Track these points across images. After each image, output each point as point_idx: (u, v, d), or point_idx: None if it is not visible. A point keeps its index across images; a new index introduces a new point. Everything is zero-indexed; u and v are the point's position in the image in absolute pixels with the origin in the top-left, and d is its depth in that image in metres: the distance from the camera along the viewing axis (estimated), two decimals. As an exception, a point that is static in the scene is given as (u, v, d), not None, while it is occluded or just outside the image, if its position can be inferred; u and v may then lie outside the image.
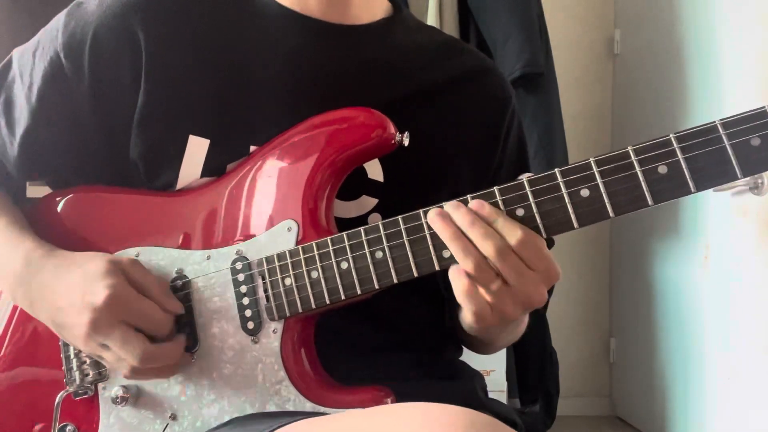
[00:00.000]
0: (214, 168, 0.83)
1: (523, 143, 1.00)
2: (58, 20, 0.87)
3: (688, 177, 0.62)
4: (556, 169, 0.67)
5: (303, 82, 0.85)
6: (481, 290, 0.69)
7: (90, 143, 0.86)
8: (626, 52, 3.00)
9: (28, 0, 2.04)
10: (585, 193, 0.66)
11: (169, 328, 0.76)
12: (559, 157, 2.38)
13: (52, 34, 0.86)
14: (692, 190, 0.62)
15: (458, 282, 0.70)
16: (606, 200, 0.65)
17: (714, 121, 0.61)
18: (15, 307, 0.88)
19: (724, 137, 0.61)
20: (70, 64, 0.84)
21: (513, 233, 0.68)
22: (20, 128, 0.87)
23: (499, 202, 0.68)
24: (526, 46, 2.25)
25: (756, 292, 2.03)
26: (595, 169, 0.65)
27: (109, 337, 0.74)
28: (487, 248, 0.68)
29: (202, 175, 0.83)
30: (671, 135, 0.62)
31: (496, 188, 0.69)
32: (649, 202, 0.63)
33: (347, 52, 0.88)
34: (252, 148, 0.83)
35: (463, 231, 0.69)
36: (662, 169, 0.63)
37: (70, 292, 0.75)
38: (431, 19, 2.37)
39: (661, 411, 2.63)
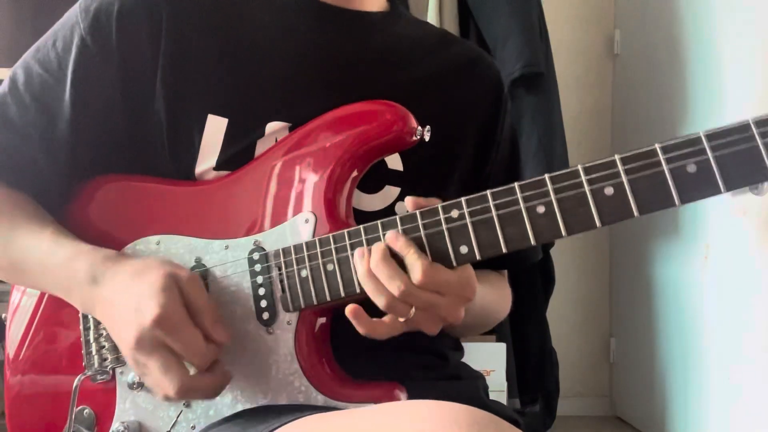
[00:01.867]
0: (233, 145, 0.84)
1: (514, 133, 1.04)
2: (74, 11, 0.87)
3: (718, 176, 0.60)
4: (579, 165, 0.65)
5: (314, 62, 0.88)
6: (398, 317, 0.72)
7: (120, 126, 0.86)
8: (626, 52, 3.00)
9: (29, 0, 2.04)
10: (609, 191, 0.64)
11: (208, 361, 0.74)
12: (559, 157, 2.39)
13: (71, 22, 0.86)
14: (722, 190, 0.60)
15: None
16: (631, 198, 0.63)
17: (747, 120, 0.59)
18: (42, 294, 0.89)
19: (757, 136, 0.59)
20: (97, 46, 0.85)
21: (415, 271, 0.69)
22: (64, 118, 0.86)
23: (520, 199, 0.67)
24: (526, 46, 2.26)
25: (756, 292, 2.04)
26: (620, 166, 0.63)
27: (150, 360, 0.73)
28: (393, 289, 0.69)
29: (222, 151, 0.84)
30: (701, 133, 0.60)
31: (516, 184, 0.68)
32: (677, 202, 0.61)
33: (355, 35, 0.91)
34: (268, 125, 0.84)
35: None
36: (691, 167, 0.61)
37: (125, 305, 0.75)
38: (431, 19, 2.38)
39: (661, 411, 2.63)
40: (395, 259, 0.71)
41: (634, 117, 2.91)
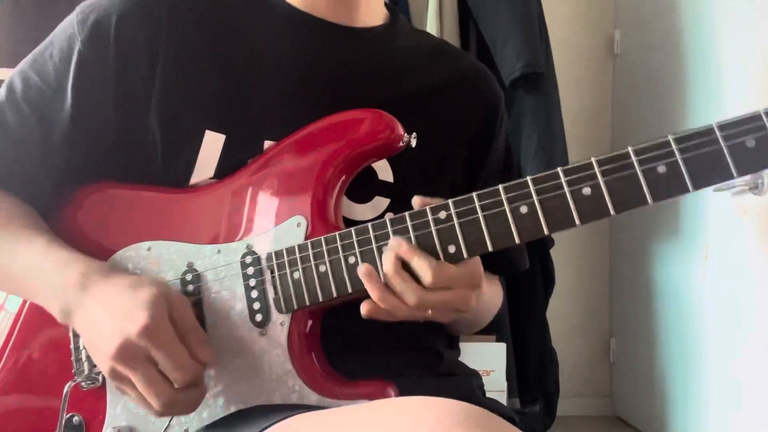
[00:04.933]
0: (230, 162, 0.85)
1: (508, 142, 1.05)
2: (70, 21, 0.87)
3: (686, 176, 0.64)
4: (558, 168, 0.69)
5: (312, 79, 0.88)
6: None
7: (115, 138, 0.86)
8: (626, 52, 3.00)
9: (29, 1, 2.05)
10: (587, 191, 0.67)
11: (190, 377, 0.74)
12: (559, 157, 2.39)
13: (68, 32, 0.86)
14: (690, 189, 0.64)
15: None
16: (607, 198, 0.67)
17: (711, 124, 0.63)
18: (24, 301, 0.88)
19: (720, 139, 0.63)
20: (95, 58, 0.84)
21: (424, 275, 0.71)
22: (61, 129, 0.86)
23: (504, 200, 0.70)
24: (526, 46, 2.26)
25: (756, 292, 2.03)
26: (596, 168, 0.67)
27: (134, 372, 0.72)
28: (409, 300, 0.72)
29: (218, 168, 0.84)
30: (669, 136, 0.64)
31: (500, 186, 0.71)
32: (649, 201, 0.65)
33: (353, 52, 0.91)
34: (266, 142, 0.85)
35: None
36: (661, 168, 0.65)
37: (111, 316, 0.74)
38: (431, 20, 2.38)
39: (661, 411, 2.63)
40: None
41: (634, 117, 2.91)
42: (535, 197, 0.69)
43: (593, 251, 3.10)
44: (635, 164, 0.66)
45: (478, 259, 0.75)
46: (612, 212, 0.67)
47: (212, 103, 0.85)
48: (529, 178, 0.70)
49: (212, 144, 0.84)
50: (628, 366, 2.98)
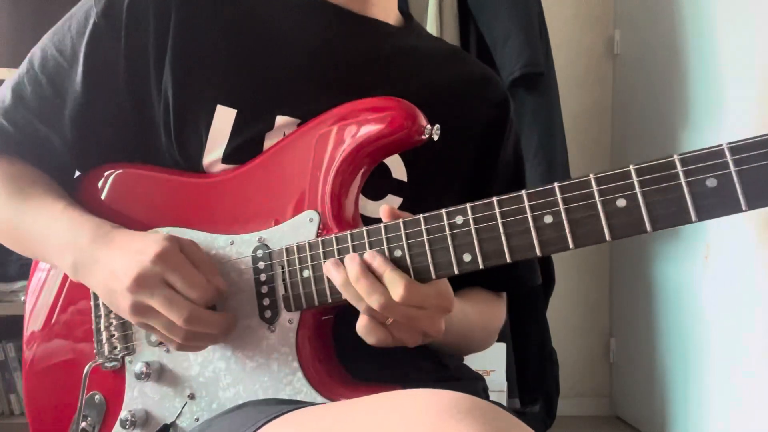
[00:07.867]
0: (241, 136, 0.84)
1: (520, 155, 1.03)
2: None
3: (739, 193, 0.56)
4: (590, 175, 0.62)
5: (325, 60, 0.88)
6: (379, 325, 0.71)
7: (127, 112, 0.87)
8: (626, 52, 3.00)
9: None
10: (621, 203, 0.60)
11: (209, 298, 0.75)
12: (559, 157, 2.38)
13: (86, 6, 0.88)
14: (743, 208, 0.55)
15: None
16: (644, 212, 0.59)
17: None
18: (62, 284, 0.91)
19: None
20: (108, 29, 0.86)
21: (395, 289, 0.68)
22: (74, 98, 0.88)
23: (527, 207, 0.64)
24: (526, 46, 2.25)
25: (756, 292, 2.04)
26: (634, 177, 0.59)
27: (153, 296, 0.73)
28: (373, 303, 0.69)
29: (229, 142, 0.84)
30: (725, 145, 0.56)
31: (524, 192, 0.65)
32: (693, 218, 0.58)
33: (367, 39, 0.91)
34: (278, 117, 0.84)
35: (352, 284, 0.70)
36: (711, 182, 0.57)
37: (124, 255, 0.76)
38: (431, 20, 2.37)
39: (661, 411, 2.64)
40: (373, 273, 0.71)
41: (634, 117, 2.91)
42: (561, 206, 0.62)
43: (593, 251, 3.09)
44: (680, 175, 0.58)
45: (447, 282, 0.72)
46: (649, 229, 0.59)
47: (223, 77, 0.85)
48: (556, 185, 0.63)
49: (224, 118, 0.84)
50: (628, 366, 2.98)
